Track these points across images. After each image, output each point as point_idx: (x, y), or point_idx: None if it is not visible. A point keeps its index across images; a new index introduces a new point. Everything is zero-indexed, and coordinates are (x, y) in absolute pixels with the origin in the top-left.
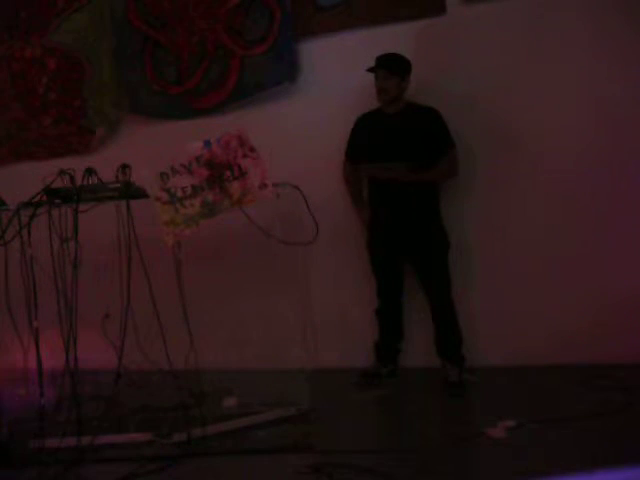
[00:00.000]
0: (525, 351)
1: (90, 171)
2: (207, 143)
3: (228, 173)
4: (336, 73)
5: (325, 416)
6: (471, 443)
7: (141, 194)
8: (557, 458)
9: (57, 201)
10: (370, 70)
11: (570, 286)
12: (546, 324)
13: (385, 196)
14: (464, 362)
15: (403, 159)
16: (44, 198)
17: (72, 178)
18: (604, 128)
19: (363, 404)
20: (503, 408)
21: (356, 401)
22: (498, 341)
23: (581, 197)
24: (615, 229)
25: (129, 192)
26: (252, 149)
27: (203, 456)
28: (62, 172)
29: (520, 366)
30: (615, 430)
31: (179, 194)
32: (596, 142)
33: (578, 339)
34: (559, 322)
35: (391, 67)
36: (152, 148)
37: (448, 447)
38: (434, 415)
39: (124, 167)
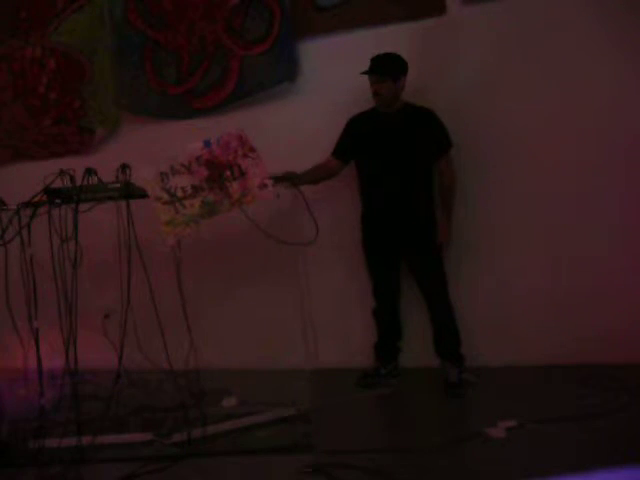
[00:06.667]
0: (525, 351)
1: (90, 171)
2: (207, 143)
3: (228, 173)
4: (336, 73)
5: (325, 416)
6: (471, 443)
7: (141, 194)
8: (557, 458)
9: (57, 201)
10: (363, 73)
11: (569, 286)
12: (545, 324)
13: (379, 195)
14: (463, 362)
15: (400, 159)
16: (44, 198)
17: (72, 178)
18: (604, 129)
19: (363, 404)
20: (503, 408)
21: (356, 401)
22: (497, 341)
23: (578, 197)
24: (614, 230)
25: (129, 192)
26: (252, 149)
27: (203, 456)
28: (62, 172)
29: (520, 366)
30: (615, 430)
31: (179, 194)
32: (596, 143)
33: (578, 339)
34: (559, 322)
35: (382, 71)
36: (152, 148)
37: (448, 447)
38: (434, 415)
39: (124, 167)
